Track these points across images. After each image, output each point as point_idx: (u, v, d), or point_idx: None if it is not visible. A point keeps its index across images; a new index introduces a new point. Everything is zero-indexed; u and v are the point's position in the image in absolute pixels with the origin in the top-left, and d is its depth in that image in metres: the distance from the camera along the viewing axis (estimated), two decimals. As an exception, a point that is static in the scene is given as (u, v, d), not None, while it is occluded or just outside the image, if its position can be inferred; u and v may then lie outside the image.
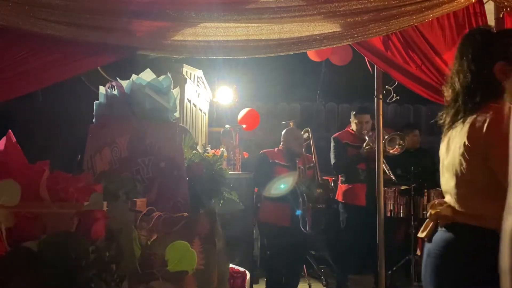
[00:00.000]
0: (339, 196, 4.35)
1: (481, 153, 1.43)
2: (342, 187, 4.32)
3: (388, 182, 4.17)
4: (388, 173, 4.06)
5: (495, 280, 0.85)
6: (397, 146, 4.12)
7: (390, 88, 3.38)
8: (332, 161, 4.30)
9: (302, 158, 4.03)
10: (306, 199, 4.11)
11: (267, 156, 3.93)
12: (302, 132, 4.25)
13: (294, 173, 3.87)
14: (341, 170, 4.30)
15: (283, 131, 4.14)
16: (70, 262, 0.92)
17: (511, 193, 0.72)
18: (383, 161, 4.00)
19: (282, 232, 3.77)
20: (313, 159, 4.15)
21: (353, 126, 4.30)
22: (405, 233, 4.83)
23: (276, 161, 3.89)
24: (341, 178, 4.36)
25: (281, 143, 4.10)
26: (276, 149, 4.05)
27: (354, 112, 4.28)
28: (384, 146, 4.07)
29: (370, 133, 4.09)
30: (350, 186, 4.22)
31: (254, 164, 4.01)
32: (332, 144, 4.33)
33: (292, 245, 3.85)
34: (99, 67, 2.92)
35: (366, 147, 4.04)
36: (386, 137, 4.13)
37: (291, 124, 4.16)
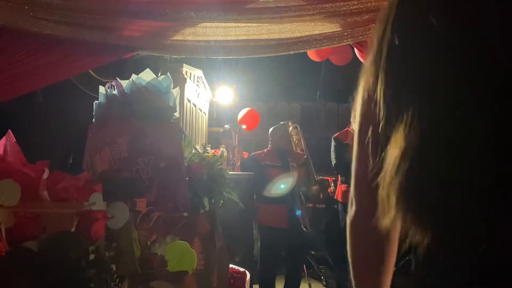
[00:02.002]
0: (338, 196, 4.35)
1: None
2: (341, 187, 4.32)
3: None
4: None
5: None
6: None
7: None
8: (333, 161, 4.29)
9: (293, 155, 4.00)
10: (303, 198, 4.10)
11: (257, 159, 3.89)
12: (291, 128, 4.20)
13: (291, 173, 3.85)
14: (342, 171, 4.29)
15: (270, 130, 4.10)
16: (70, 262, 0.92)
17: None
18: None
19: (279, 234, 3.73)
20: (305, 156, 4.10)
21: (354, 126, 4.29)
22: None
23: (267, 162, 3.85)
24: (340, 178, 4.36)
25: (269, 143, 4.07)
26: (265, 150, 4.00)
27: None
28: None
29: None
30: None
31: (246, 167, 3.98)
32: (333, 144, 4.32)
33: (291, 247, 3.84)
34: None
35: None
36: None
37: (289, 123, 4.15)
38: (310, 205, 5.02)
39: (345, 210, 4.24)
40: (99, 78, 3.23)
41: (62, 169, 1.22)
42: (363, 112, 0.75)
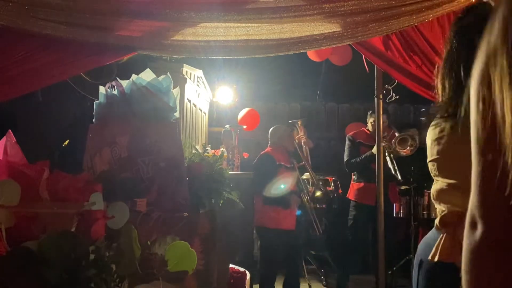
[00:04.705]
0: (350, 195, 4.34)
1: None
2: (354, 186, 4.33)
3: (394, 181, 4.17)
4: (394, 172, 4.05)
5: None
6: (408, 148, 4.09)
7: (390, 88, 3.38)
8: (345, 159, 4.31)
9: (296, 157, 3.99)
10: (306, 199, 4.11)
11: (273, 158, 3.83)
12: (299, 126, 4.19)
13: (295, 174, 3.84)
14: (352, 168, 4.30)
15: (272, 129, 4.07)
16: (70, 262, 0.92)
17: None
18: (391, 161, 4.00)
19: (285, 236, 3.72)
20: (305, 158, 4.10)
21: (369, 126, 4.30)
22: (405, 233, 4.83)
23: (282, 163, 3.82)
24: (353, 176, 4.36)
25: (271, 142, 4.02)
26: (274, 149, 3.96)
27: (370, 112, 4.27)
28: (395, 146, 4.06)
29: (385, 134, 4.06)
30: (362, 184, 4.22)
31: (257, 165, 3.93)
32: (347, 142, 4.36)
33: (294, 248, 3.84)
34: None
35: None
36: (397, 136, 4.12)
37: (299, 123, 4.15)
38: (312, 205, 5.03)
39: (355, 209, 4.24)
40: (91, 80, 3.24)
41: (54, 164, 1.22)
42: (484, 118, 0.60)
